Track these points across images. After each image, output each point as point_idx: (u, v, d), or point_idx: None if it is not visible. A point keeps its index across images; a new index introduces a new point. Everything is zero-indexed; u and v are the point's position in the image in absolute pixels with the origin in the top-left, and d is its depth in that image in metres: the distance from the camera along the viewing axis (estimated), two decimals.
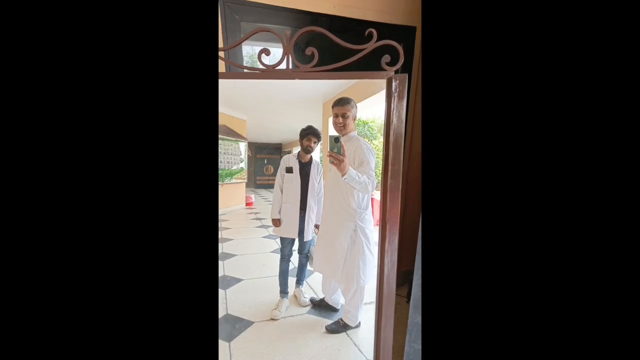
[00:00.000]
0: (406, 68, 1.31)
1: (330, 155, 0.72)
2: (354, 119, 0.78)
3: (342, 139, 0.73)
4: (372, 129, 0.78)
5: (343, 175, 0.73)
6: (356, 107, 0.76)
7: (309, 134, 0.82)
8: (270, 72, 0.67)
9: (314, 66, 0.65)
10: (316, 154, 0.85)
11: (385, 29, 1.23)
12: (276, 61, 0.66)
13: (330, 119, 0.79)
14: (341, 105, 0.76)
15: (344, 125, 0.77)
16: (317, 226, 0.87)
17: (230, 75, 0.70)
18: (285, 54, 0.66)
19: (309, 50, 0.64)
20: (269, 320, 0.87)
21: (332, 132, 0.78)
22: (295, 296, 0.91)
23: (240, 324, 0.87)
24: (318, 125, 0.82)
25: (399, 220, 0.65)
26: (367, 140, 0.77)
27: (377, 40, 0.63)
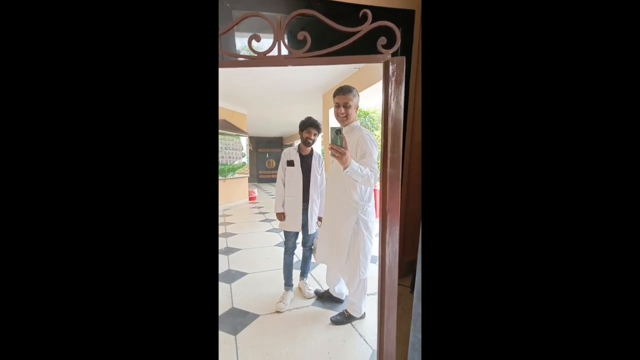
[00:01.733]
0: (405, 53, 1.26)
1: (331, 148, 0.70)
2: (356, 109, 0.75)
3: (344, 130, 0.70)
4: (373, 119, 0.76)
5: (345, 168, 0.71)
6: (358, 95, 0.73)
7: (308, 126, 0.81)
8: (261, 59, 0.64)
9: (307, 51, 0.62)
10: (317, 146, 0.84)
11: (383, 13, 1.18)
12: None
13: (331, 110, 0.76)
14: (343, 94, 0.73)
15: (346, 116, 0.75)
16: (320, 219, 0.86)
17: (222, 64, 0.68)
18: (276, 40, 0.63)
19: (301, 35, 0.62)
20: (274, 313, 0.88)
21: (333, 123, 0.76)
22: (299, 288, 0.92)
23: (246, 318, 0.88)
24: (318, 117, 0.80)
25: (399, 210, 0.63)
26: (369, 131, 0.75)
27: (372, 22, 0.60)
